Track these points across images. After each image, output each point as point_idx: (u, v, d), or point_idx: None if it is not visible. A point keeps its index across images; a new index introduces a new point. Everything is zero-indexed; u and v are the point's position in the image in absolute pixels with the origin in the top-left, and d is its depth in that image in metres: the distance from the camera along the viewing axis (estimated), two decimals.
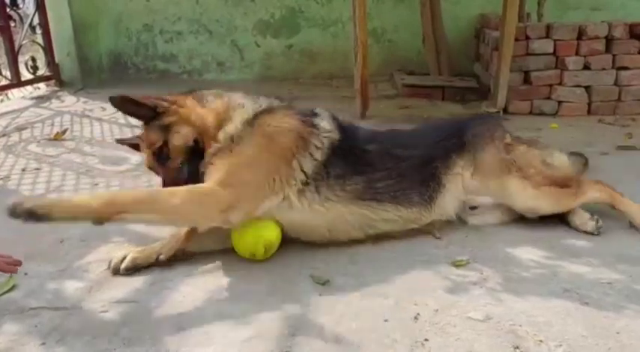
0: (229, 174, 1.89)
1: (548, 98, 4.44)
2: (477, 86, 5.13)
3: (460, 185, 2.24)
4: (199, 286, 1.85)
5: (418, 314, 1.63)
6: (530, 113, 4.48)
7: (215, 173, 1.92)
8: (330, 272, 1.91)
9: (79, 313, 1.71)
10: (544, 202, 2.21)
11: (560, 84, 4.39)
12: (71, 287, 1.87)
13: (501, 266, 1.93)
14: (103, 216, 1.72)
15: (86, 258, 2.10)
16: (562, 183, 2.25)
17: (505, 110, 4.42)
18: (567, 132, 3.91)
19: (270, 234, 1.97)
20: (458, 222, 2.26)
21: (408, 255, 2.03)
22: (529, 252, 2.04)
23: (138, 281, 1.90)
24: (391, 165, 2.16)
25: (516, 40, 4.21)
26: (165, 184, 2.04)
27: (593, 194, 2.29)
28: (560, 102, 4.41)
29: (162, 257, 1.99)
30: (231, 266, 1.98)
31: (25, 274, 1.97)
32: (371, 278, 1.87)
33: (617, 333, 1.53)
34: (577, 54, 4.32)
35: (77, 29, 5.87)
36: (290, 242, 2.11)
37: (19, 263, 1.84)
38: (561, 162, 2.41)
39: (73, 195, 2.62)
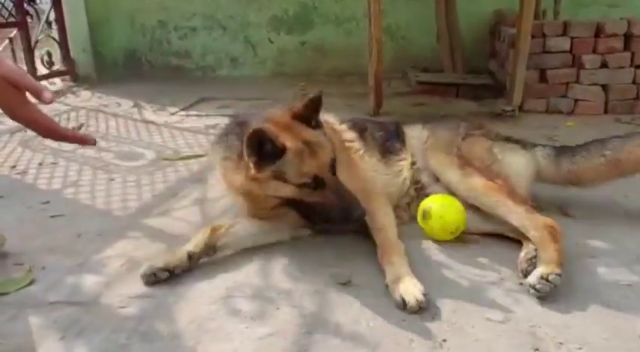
0: None
1: (565, 96, 4.39)
2: (491, 83, 5.08)
3: (418, 144, 2.38)
4: (216, 283, 1.85)
5: (436, 314, 1.63)
6: (546, 111, 4.43)
7: None
8: (349, 271, 1.91)
9: (97, 308, 1.72)
10: (462, 185, 2.19)
11: (576, 82, 4.34)
12: (89, 281, 1.89)
13: (517, 268, 1.91)
14: None
15: (104, 252, 2.12)
16: (492, 174, 2.19)
17: (521, 108, 4.37)
18: (583, 130, 3.86)
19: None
20: None
21: (426, 255, 2.02)
22: None
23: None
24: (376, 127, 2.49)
25: (532, 37, 4.16)
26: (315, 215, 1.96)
27: (526, 222, 1.99)
28: (576, 101, 4.36)
29: (194, 254, 1.94)
30: (247, 263, 1.99)
31: (43, 268, 1.99)
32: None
33: (639, 337, 1.51)
34: (594, 52, 4.26)
35: (92, 25, 5.91)
36: (309, 242, 2.11)
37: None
38: (512, 161, 2.33)
39: None
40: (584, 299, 1.71)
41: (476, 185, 2.17)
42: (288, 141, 1.87)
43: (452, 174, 2.26)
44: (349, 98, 5.03)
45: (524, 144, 2.48)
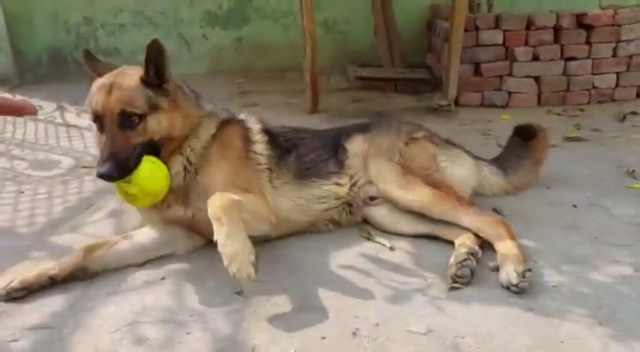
0: None
1: (499, 89, 4.41)
2: (429, 78, 5.07)
3: (359, 162, 2.25)
4: (122, 306, 1.70)
5: (357, 329, 1.53)
6: (482, 105, 4.45)
7: None
8: (270, 285, 1.79)
9: None
10: (405, 193, 2.11)
11: (510, 75, 4.37)
12: None
13: (446, 271, 1.84)
14: None
15: (1, 276, 1.91)
16: (434, 184, 2.14)
17: (456, 102, 4.37)
18: (517, 123, 3.87)
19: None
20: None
21: (352, 263, 1.93)
22: None
23: (56, 303, 1.73)
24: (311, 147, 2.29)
25: (466, 30, 4.15)
26: (105, 152, 1.77)
27: (477, 222, 2.00)
28: (510, 94, 4.39)
29: (57, 276, 1.80)
30: (156, 282, 1.84)
31: None
32: (312, 290, 1.75)
33: (561, 342, 1.47)
34: (526, 44, 4.30)
35: (10, 22, 5.52)
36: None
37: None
38: (456, 170, 2.29)
39: None
40: (510, 303, 1.66)
41: (421, 194, 2.10)
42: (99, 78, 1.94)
43: (393, 183, 2.16)
44: (289, 95, 4.91)
45: (468, 152, 2.47)
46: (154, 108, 1.86)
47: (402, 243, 2.07)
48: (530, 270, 1.74)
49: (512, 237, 1.91)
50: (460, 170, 2.32)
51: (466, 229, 2.00)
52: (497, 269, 1.82)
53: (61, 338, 1.55)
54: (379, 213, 2.21)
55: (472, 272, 1.77)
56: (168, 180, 1.89)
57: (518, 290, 1.70)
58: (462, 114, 4.21)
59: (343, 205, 2.22)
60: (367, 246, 2.05)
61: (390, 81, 5.11)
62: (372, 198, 2.23)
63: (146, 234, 2.00)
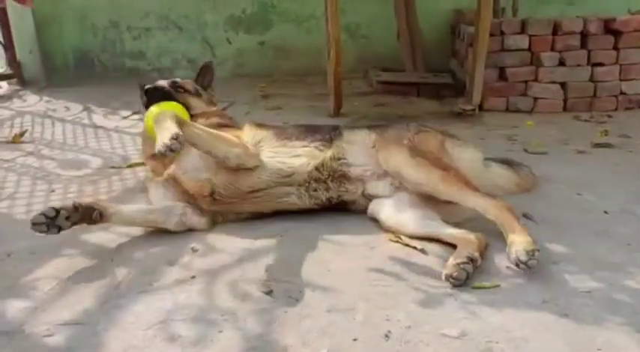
0: None
1: (524, 95, 4.38)
2: (452, 82, 5.05)
3: (353, 149, 2.34)
4: (154, 305, 1.71)
5: (389, 331, 1.52)
6: (506, 110, 4.42)
7: None
8: (299, 286, 1.79)
9: (20, 338, 1.56)
10: (414, 171, 2.19)
11: (535, 80, 4.34)
12: (15, 307, 1.72)
13: (476, 275, 1.83)
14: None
15: (34, 273, 1.94)
16: (443, 166, 2.20)
17: (480, 107, 4.34)
18: (543, 129, 3.85)
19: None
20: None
21: (381, 266, 1.92)
22: (503, 258, 1.93)
23: (88, 300, 1.75)
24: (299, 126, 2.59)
25: (491, 35, 4.13)
26: None
27: (484, 203, 2.06)
28: (535, 99, 4.35)
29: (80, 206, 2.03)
30: (186, 281, 1.85)
31: None
32: (340, 291, 1.75)
33: (599, 350, 1.44)
34: (552, 50, 4.26)
35: (40, 25, 5.64)
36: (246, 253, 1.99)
37: None
38: (464, 156, 2.37)
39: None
40: (543, 309, 1.63)
41: (430, 174, 2.16)
42: None
43: (403, 162, 2.23)
44: (311, 99, 4.93)
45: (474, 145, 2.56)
46: (196, 94, 2.76)
47: (431, 246, 2.05)
48: (538, 251, 1.80)
49: (519, 220, 1.99)
50: (467, 156, 2.39)
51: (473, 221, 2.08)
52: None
53: (95, 334, 1.56)
54: (384, 213, 2.21)
55: (467, 277, 1.77)
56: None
57: (526, 268, 1.77)
58: (486, 119, 4.18)
59: (324, 170, 2.29)
60: (396, 249, 2.04)
61: (412, 85, 5.10)
62: (371, 195, 2.30)
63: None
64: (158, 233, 2.21)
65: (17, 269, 1.98)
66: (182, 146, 2.00)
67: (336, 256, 1.99)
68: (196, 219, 2.25)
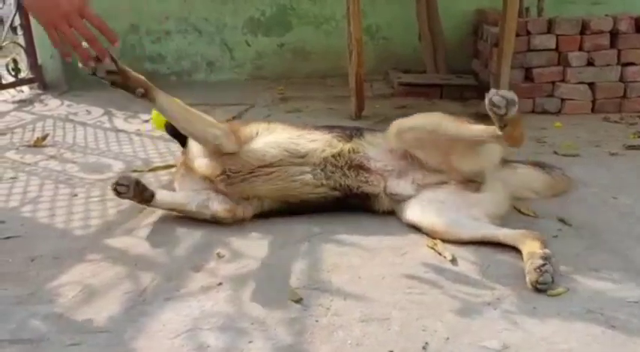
0: None
1: (551, 96, 4.26)
2: (476, 84, 4.95)
3: (382, 149, 2.30)
4: (181, 312, 1.66)
5: (427, 343, 1.45)
6: (533, 111, 4.30)
7: None
8: (331, 294, 1.73)
9: (45, 346, 1.52)
10: (416, 117, 2.25)
11: (563, 81, 4.22)
12: (39, 314, 1.68)
13: (515, 282, 1.75)
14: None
15: (58, 279, 1.91)
16: None
17: None
18: (572, 131, 3.74)
19: None
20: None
21: (415, 273, 1.85)
22: None
23: (114, 306, 1.71)
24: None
25: (517, 35, 4.03)
26: None
27: (478, 131, 2.08)
28: (563, 100, 4.24)
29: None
30: (213, 288, 1.80)
31: None
32: (373, 299, 1.68)
33: None
34: (580, 49, 4.14)
35: None
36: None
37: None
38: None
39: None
40: (589, 319, 1.55)
41: (436, 114, 2.22)
42: None
43: (414, 117, 2.28)
44: (331, 101, 4.87)
45: None
46: None
47: (464, 253, 1.97)
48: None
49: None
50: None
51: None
52: None
53: (122, 342, 1.52)
54: (427, 219, 2.13)
55: (552, 279, 1.69)
56: None
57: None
58: None
59: (340, 158, 2.25)
60: (428, 255, 1.97)
61: (435, 87, 5.01)
62: (393, 195, 2.24)
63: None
64: (182, 237, 2.17)
65: (41, 275, 1.94)
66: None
67: (366, 262, 1.93)
68: (218, 205, 2.25)
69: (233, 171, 2.25)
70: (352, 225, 2.21)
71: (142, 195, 2.22)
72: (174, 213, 2.35)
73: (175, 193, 2.38)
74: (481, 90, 4.74)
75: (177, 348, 1.48)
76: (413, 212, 2.17)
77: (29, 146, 3.79)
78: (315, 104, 4.82)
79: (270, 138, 2.30)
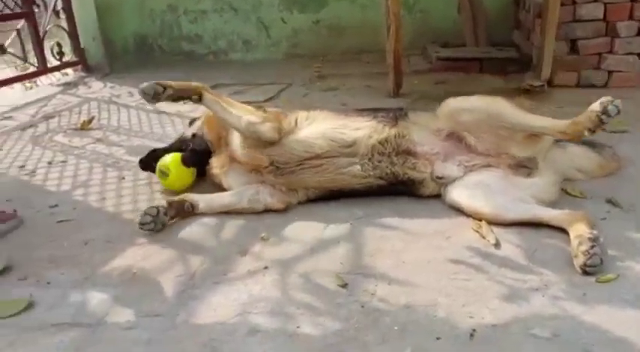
0: None
1: (597, 68, 4.09)
2: (517, 57, 4.81)
3: (428, 131, 2.28)
4: (230, 296, 1.71)
5: (474, 330, 1.46)
6: (578, 85, 4.15)
7: None
8: (376, 279, 1.74)
9: (103, 330, 1.59)
10: (474, 100, 2.22)
11: (610, 52, 4.04)
12: (95, 298, 1.76)
13: (563, 267, 1.73)
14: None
15: (111, 262, 1.98)
16: None
17: (550, 82, 4.11)
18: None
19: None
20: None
21: (460, 257, 1.84)
22: None
23: (165, 290, 1.77)
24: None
25: (561, 4, 3.86)
26: None
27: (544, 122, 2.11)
28: (610, 73, 4.06)
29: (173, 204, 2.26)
30: (259, 272, 1.84)
31: (48, 283, 1.87)
32: (417, 285, 1.69)
33: None
34: (630, 18, 3.95)
35: (101, 12, 5.73)
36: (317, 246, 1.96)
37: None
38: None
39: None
40: None
41: (500, 100, 2.17)
42: None
43: (462, 99, 2.23)
44: (367, 78, 4.82)
45: None
46: None
47: (509, 236, 1.95)
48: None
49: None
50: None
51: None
52: None
53: (174, 326, 1.58)
54: (474, 201, 2.10)
55: (602, 261, 1.66)
56: None
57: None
58: (556, 96, 3.95)
59: (387, 144, 2.22)
60: (472, 239, 1.95)
61: (474, 61, 4.88)
62: (440, 178, 2.22)
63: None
64: (228, 220, 2.22)
65: (94, 258, 2.03)
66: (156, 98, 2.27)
67: (409, 246, 1.93)
68: (269, 198, 2.27)
69: (281, 162, 2.26)
70: (395, 208, 2.21)
71: (179, 212, 2.26)
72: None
73: (221, 195, 2.34)
74: (523, 63, 4.61)
75: (229, 333, 1.53)
76: (458, 194, 2.15)
77: (76, 129, 3.91)
78: (351, 81, 4.78)
79: (314, 128, 2.29)
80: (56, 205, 2.55)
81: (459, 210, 2.15)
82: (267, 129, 2.25)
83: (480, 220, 2.05)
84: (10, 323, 1.66)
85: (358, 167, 2.22)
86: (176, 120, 4.01)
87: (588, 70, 4.11)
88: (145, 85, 2.25)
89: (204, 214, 2.29)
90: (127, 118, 4.16)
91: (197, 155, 2.50)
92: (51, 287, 1.84)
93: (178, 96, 2.29)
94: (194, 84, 2.34)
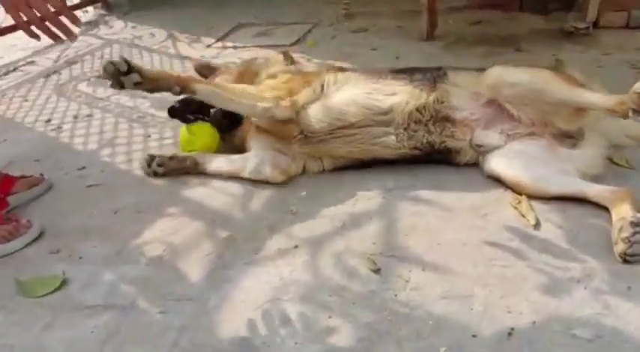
0: None
1: None
2: None
3: (469, 93, 2.14)
4: (262, 279, 1.69)
5: (512, 328, 1.41)
6: (627, 27, 3.85)
7: None
8: (409, 263, 1.70)
9: (136, 314, 1.60)
10: (517, 71, 2.06)
11: None
12: (127, 277, 1.76)
13: (606, 254, 1.64)
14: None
15: (142, 235, 1.98)
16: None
17: (596, 24, 3.83)
18: None
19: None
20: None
21: (498, 239, 1.76)
22: None
23: (196, 270, 1.76)
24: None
25: None
26: None
27: (596, 99, 1.89)
28: None
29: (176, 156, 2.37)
30: (289, 252, 1.81)
31: (80, 258, 1.88)
32: (454, 272, 1.64)
33: None
34: None
35: None
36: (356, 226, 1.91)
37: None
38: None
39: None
40: None
41: (541, 71, 2.04)
42: None
43: (503, 69, 2.09)
44: (399, 18, 4.56)
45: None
46: None
47: (550, 214, 1.86)
48: None
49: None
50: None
51: None
52: None
53: (206, 312, 1.57)
54: (514, 172, 1.99)
55: None
56: None
57: None
58: (603, 39, 3.68)
59: (425, 111, 2.10)
60: (511, 218, 1.86)
61: None
62: (479, 146, 2.11)
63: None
64: (256, 191, 2.17)
65: (124, 230, 2.02)
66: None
67: (445, 224, 1.86)
68: (269, 169, 2.19)
69: (310, 131, 2.17)
70: (428, 179, 2.13)
71: (179, 167, 2.32)
72: None
73: (226, 160, 2.30)
74: (566, 1, 4.28)
75: (261, 321, 1.52)
76: (498, 164, 2.04)
77: (99, 77, 3.83)
78: (382, 21, 4.53)
79: (344, 93, 2.17)
80: (84, 167, 2.54)
81: (497, 181, 2.05)
82: (281, 111, 2.15)
83: (520, 194, 1.96)
84: (46, 302, 1.68)
85: (393, 137, 2.11)
86: None
87: (639, 10, 3.80)
88: (107, 61, 1.95)
89: (207, 174, 2.31)
90: (150, 64, 4.05)
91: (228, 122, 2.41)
92: (83, 262, 1.85)
93: (152, 88, 2.04)
94: (176, 74, 2.12)
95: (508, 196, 1.98)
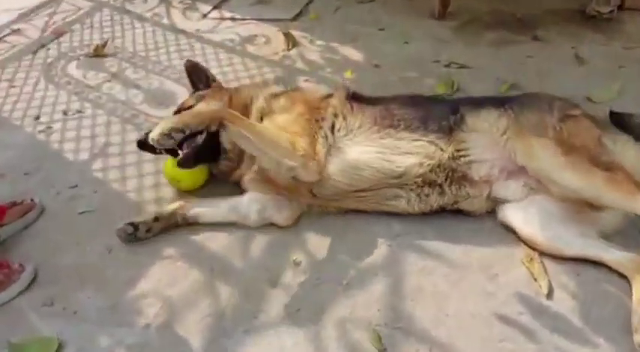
0: None
1: None
2: None
3: (482, 141, 1.97)
4: (262, 347, 1.63)
5: None
6: None
7: None
8: (414, 338, 1.64)
9: None
10: (572, 175, 1.82)
11: None
12: (124, 342, 1.70)
13: (621, 338, 1.58)
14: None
15: (137, 286, 1.90)
16: (605, 166, 1.80)
17: (621, 6, 3.58)
18: None
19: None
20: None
21: (508, 312, 1.71)
22: None
23: (194, 339, 1.69)
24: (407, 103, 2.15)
25: None
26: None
27: None
28: None
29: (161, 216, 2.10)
30: (291, 316, 1.74)
31: (75, 313, 1.82)
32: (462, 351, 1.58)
33: None
34: None
35: None
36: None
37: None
38: (627, 153, 1.91)
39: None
40: None
41: (592, 176, 1.79)
42: None
43: (554, 163, 1.85)
44: None
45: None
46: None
47: (563, 278, 1.79)
48: None
49: None
50: (632, 156, 1.92)
51: None
52: None
53: None
54: (531, 227, 1.89)
55: None
56: None
57: None
58: (628, 28, 3.46)
59: (440, 172, 1.97)
60: (522, 282, 1.79)
61: None
62: (497, 198, 1.98)
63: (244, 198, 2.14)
64: (256, 234, 2.08)
65: (119, 276, 1.94)
66: (175, 142, 1.93)
67: (453, 289, 1.79)
68: (276, 214, 2.08)
69: (322, 194, 2.04)
70: (437, 226, 2.02)
71: (168, 226, 2.11)
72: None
73: (223, 206, 2.14)
74: None
75: None
76: (514, 217, 1.93)
77: (90, 56, 3.62)
78: (390, 1, 4.21)
79: (358, 154, 1.99)
80: (76, 185, 2.43)
81: (509, 230, 1.96)
82: (308, 174, 1.98)
83: (533, 249, 1.87)
84: None
85: (403, 201, 2.00)
86: (196, 46, 3.68)
87: None
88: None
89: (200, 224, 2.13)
90: (143, 41, 3.81)
91: (199, 154, 2.11)
92: (78, 319, 1.79)
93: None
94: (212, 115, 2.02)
95: (520, 251, 1.90)
